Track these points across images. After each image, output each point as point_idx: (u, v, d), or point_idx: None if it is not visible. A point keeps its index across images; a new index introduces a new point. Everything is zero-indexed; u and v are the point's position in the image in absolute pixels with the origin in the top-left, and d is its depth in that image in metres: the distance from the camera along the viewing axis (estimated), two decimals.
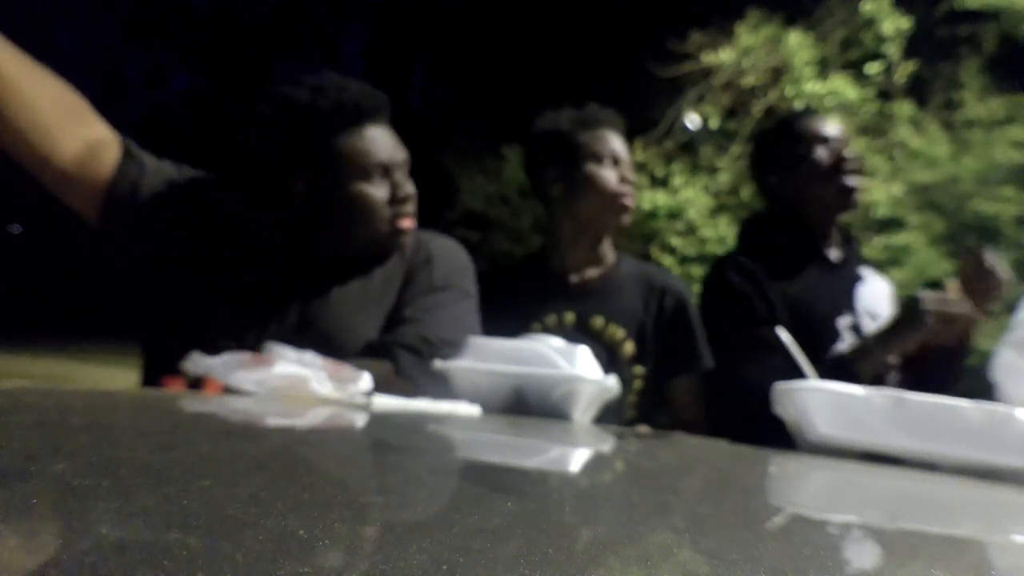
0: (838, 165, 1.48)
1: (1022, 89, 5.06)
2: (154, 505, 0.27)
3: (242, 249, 1.14)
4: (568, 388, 0.88)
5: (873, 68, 5.56)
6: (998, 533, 0.47)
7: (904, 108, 5.51)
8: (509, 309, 1.32)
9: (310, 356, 0.79)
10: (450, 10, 15.14)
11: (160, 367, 0.92)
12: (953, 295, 1.30)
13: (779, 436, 0.86)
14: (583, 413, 0.90)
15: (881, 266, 1.62)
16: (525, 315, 1.41)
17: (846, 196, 1.48)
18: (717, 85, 6.09)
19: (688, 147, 6.35)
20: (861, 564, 0.33)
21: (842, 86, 5.57)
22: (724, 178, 6.05)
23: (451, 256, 1.24)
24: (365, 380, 0.78)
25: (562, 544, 0.29)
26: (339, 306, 1.12)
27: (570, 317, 1.43)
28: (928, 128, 5.41)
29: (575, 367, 0.89)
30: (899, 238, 5.00)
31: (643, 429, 1.21)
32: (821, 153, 1.49)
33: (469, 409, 0.79)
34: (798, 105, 5.48)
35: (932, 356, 1.35)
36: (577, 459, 0.63)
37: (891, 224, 5.13)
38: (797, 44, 5.73)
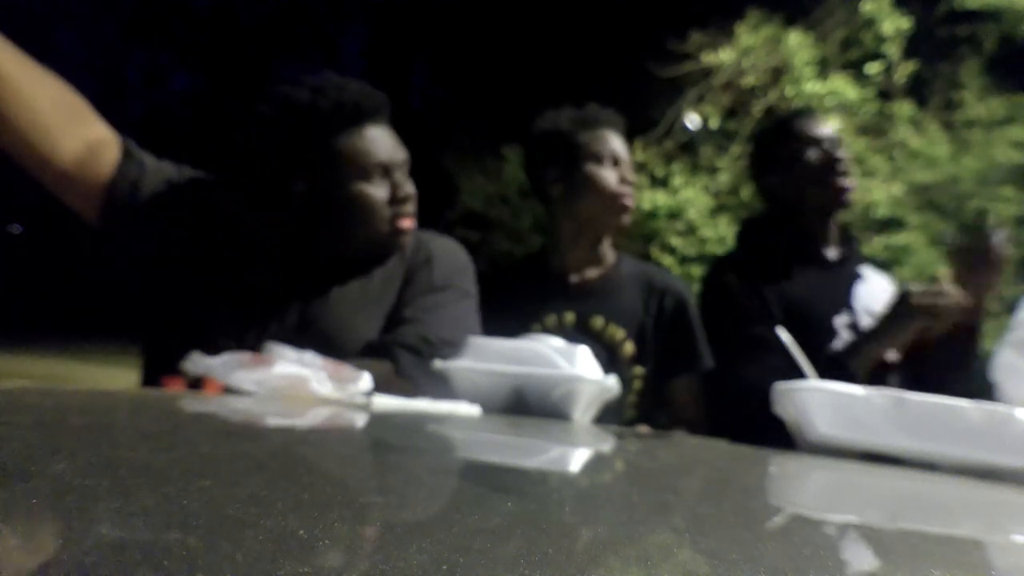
0: (829, 166, 1.48)
1: (1022, 89, 5.06)
2: (154, 505, 0.27)
3: (242, 249, 1.14)
4: (568, 388, 0.88)
5: (873, 68, 5.55)
6: (998, 533, 0.47)
7: (904, 108, 5.51)
8: (509, 309, 1.32)
9: (310, 356, 0.79)
10: (450, 10, 15.14)
11: (160, 367, 0.92)
12: (944, 287, 1.30)
13: (779, 436, 0.86)
14: (583, 413, 0.90)
15: (881, 266, 1.62)
16: (525, 315, 1.41)
17: (837, 196, 1.49)
18: (717, 85, 6.08)
19: (688, 147, 6.35)
20: (861, 564, 0.33)
21: (842, 86, 5.56)
22: (724, 178, 6.04)
23: (451, 256, 1.24)
24: (365, 380, 0.78)
25: (562, 544, 0.29)
26: (339, 306, 1.12)
27: (570, 317, 1.43)
28: (928, 128, 5.41)
29: (575, 367, 0.89)
30: (899, 238, 5.00)
31: (643, 429, 1.22)
32: (813, 154, 1.50)
33: (469, 409, 0.79)
34: (798, 105, 5.47)
35: (939, 349, 1.36)
36: (577, 459, 0.63)
37: (891, 224, 5.13)
38: (797, 44, 5.73)
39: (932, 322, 1.29)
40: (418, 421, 0.70)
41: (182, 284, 1.11)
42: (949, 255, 1.40)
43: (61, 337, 12.05)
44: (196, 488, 0.30)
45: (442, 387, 0.89)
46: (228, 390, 0.72)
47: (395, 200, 1.14)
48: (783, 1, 5.95)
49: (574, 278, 1.48)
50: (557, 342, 0.94)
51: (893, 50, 5.49)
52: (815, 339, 1.37)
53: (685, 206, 5.88)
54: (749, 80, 5.93)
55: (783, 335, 1.00)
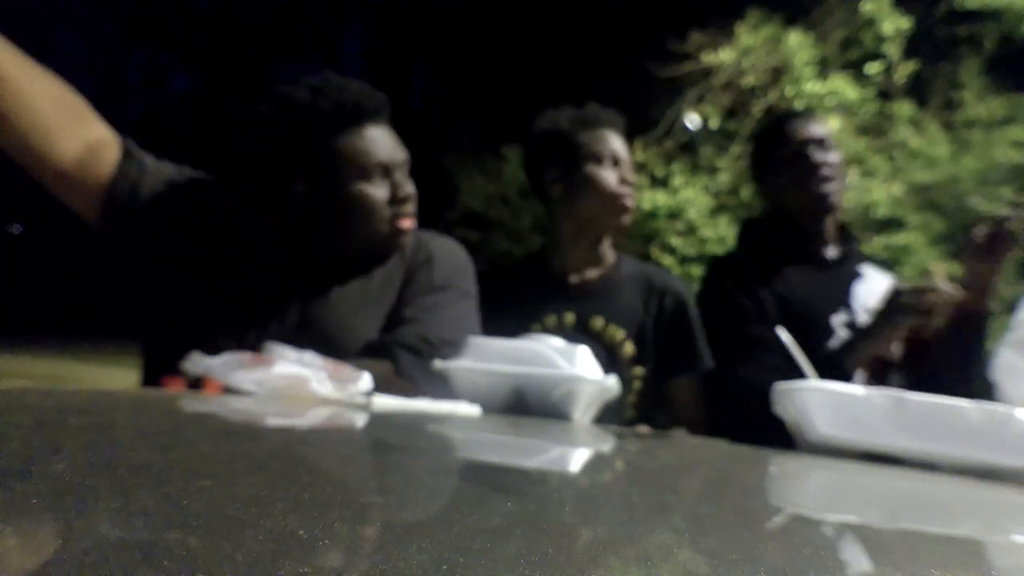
0: (811, 171, 1.49)
1: (1022, 89, 5.06)
2: (154, 505, 0.27)
3: (242, 249, 1.14)
4: (568, 388, 0.88)
5: (873, 68, 5.55)
6: (998, 533, 0.47)
7: (904, 108, 5.51)
8: (509, 309, 1.32)
9: (310, 356, 0.79)
10: (450, 10, 15.14)
11: (160, 367, 0.92)
12: (936, 283, 1.30)
13: (779, 436, 0.86)
14: (583, 413, 0.90)
15: (881, 266, 1.62)
16: (525, 315, 1.41)
17: (817, 203, 1.49)
18: (717, 85, 6.08)
19: (688, 147, 6.35)
20: (861, 564, 0.33)
21: (842, 86, 5.56)
22: (724, 178, 6.04)
23: (451, 256, 1.24)
24: (365, 380, 0.78)
25: (562, 544, 0.29)
26: (339, 306, 1.12)
27: (570, 317, 1.43)
28: (928, 128, 5.41)
29: (575, 367, 0.90)
30: (899, 238, 5.00)
31: (643, 429, 1.22)
32: (803, 156, 1.50)
33: (469, 409, 0.79)
34: (798, 105, 5.47)
35: (946, 339, 1.36)
36: (577, 459, 0.64)
37: (891, 224, 5.13)
38: (797, 44, 5.73)
39: (924, 319, 1.29)
40: (418, 421, 0.70)
41: (182, 284, 1.11)
42: (963, 235, 1.40)
43: (61, 337, 12.05)
44: (196, 488, 0.30)
45: (442, 387, 0.89)
46: (228, 390, 0.72)
47: (395, 200, 1.14)
48: (783, 1, 5.95)
49: (574, 278, 1.48)
50: (557, 342, 0.94)
51: (893, 50, 5.49)
52: (813, 338, 1.38)
53: (685, 206, 5.88)
54: (749, 80, 5.93)
55: (783, 335, 1.00)
